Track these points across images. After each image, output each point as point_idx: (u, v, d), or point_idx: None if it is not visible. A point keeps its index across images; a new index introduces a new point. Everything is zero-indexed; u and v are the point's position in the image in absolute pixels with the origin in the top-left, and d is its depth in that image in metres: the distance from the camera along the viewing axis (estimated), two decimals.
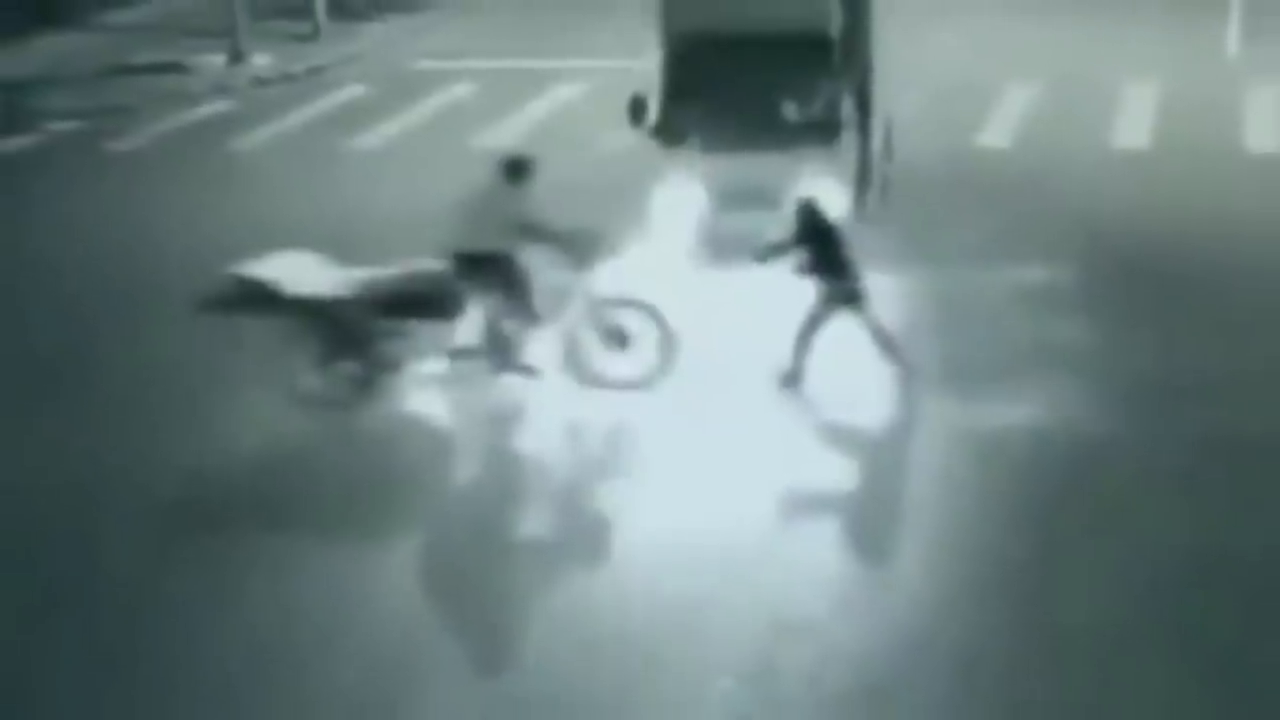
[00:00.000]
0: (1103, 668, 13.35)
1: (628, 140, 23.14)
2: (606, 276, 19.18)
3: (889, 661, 13.51)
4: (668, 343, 18.32)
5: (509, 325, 18.38)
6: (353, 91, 31.62)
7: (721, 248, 21.20)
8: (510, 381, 18.53)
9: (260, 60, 33.58)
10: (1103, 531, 15.37)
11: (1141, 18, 35.13)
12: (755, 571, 14.87)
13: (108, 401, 18.80)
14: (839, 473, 16.70)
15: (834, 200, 20.13)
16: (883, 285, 20.27)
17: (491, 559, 15.30)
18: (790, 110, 21.77)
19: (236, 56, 33.56)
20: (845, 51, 22.22)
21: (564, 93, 30.77)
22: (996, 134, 27.46)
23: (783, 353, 18.53)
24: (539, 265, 18.44)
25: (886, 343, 18.42)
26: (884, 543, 15.36)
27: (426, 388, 18.61)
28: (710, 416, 17.86)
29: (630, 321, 18.44)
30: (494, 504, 16.30)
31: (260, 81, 32.41)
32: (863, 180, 22.21)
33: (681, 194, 21.62)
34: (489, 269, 18.19)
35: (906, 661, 13.50)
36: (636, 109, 21.69)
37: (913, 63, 30.54)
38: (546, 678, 13.44)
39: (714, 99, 21.86)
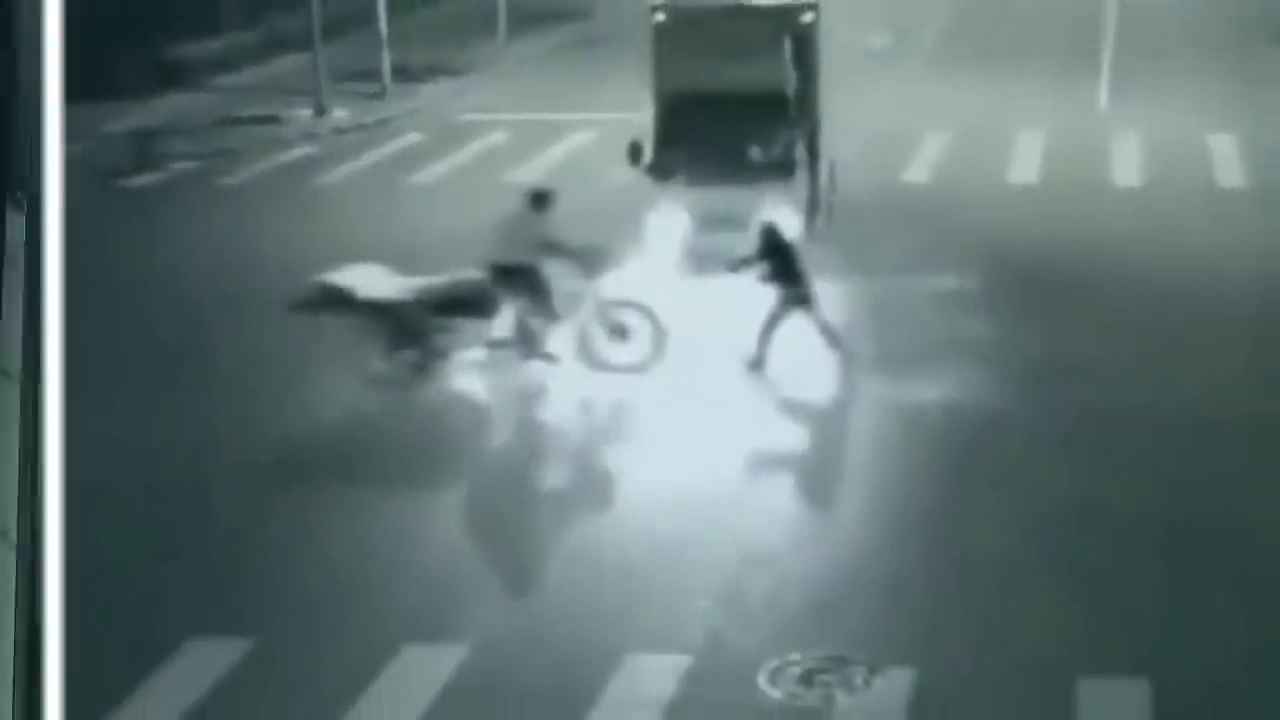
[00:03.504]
0: (1002, 590, 13.31)
1: (628, 176, 23.01)
2: (610, 283, 19.08)
3: (833, 586, 13.46)
4: (659, 335, 18.24)
5: (534, 322, 18.30)
6: (411, 138, 31.48)
7: (701, 260, 21.11)
8: (535, 366, 18.45)
9: (339, 113, 33.40)
10: (1001, 484, 15.32)
11: (1031, 81, 35.01)
12: (728, 515, 14.81)
13: (218, 382, 18.71)
14: (794, 437, 16.64)
15: (789, 224, 20.02)
16: (828, 290, 20.14)
17: (520, 505, 15.24)
18: (755, 153, 21.70)
19: (320, 110, 33.38)
20: (798, 108, 22.17)
21: (578, 139, 30.65)
22: (917, 172, 27.36)
23: (749, 343, 18.45)
24: (557, 274, 18.35)
25: (831, 336, 18.35)
26: (829, 493, 15.31)
27: (469, 371, 18.52)
28: (693, 393, 17.78)
29: (629, 318, 18.35)
30: (522, 462, 16.24)
31: (339, 130, 32.25)
32: (812, 208, 22.15)
33: (670, 218, 21.56)
34: (518, 277, 18.12)
35: (846, 586, 13.45)
36: (635, 152, 21.62)
37: (851, 117, 30.38)
38: (563, 598, 13.39)
39: (696, 144, 21.80)
